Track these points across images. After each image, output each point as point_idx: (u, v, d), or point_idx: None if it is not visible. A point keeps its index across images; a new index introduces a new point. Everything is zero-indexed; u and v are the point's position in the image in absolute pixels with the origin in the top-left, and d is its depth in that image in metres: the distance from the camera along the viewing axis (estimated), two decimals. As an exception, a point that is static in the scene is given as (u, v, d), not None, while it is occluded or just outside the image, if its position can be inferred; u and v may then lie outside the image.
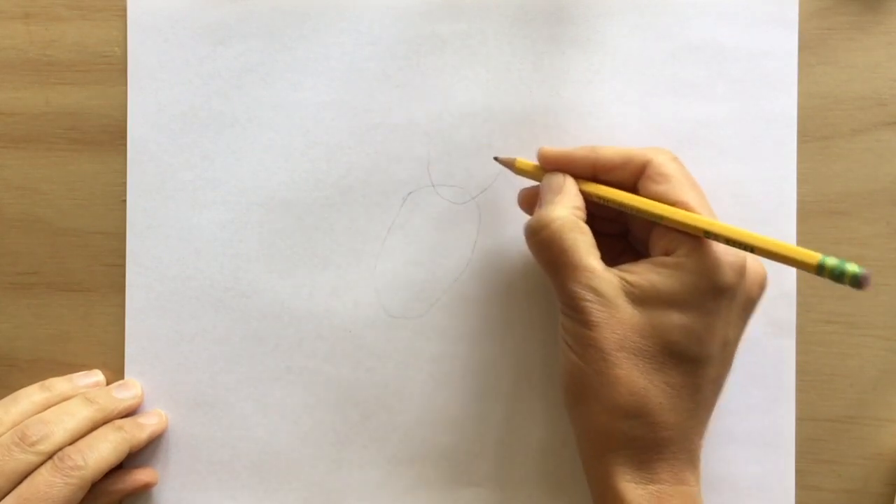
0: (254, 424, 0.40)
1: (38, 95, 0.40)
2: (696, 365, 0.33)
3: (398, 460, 0.40)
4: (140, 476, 0.39)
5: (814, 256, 0.29)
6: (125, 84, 0.40)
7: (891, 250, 0.40)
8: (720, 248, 0.33)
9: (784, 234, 0.40)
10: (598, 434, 0.33)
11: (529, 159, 0.38)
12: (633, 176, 0.35)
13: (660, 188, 0.34)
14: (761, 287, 0.35)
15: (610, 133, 0.40)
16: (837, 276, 0.29)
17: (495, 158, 0.39)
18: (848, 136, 0.40)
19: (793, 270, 0.39)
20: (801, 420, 0.40)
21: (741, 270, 0.33)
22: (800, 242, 0.40)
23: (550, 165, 0.36)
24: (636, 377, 0.32)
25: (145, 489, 0.40)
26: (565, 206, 0.34)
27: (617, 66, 0.40)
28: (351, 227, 0.40)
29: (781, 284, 0.39)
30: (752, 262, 0.34)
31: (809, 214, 0.40)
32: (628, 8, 0.40)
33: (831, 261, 0.29)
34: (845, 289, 0.39)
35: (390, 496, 0.40)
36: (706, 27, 0.40)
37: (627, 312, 0.33)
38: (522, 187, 0.38)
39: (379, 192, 0.40)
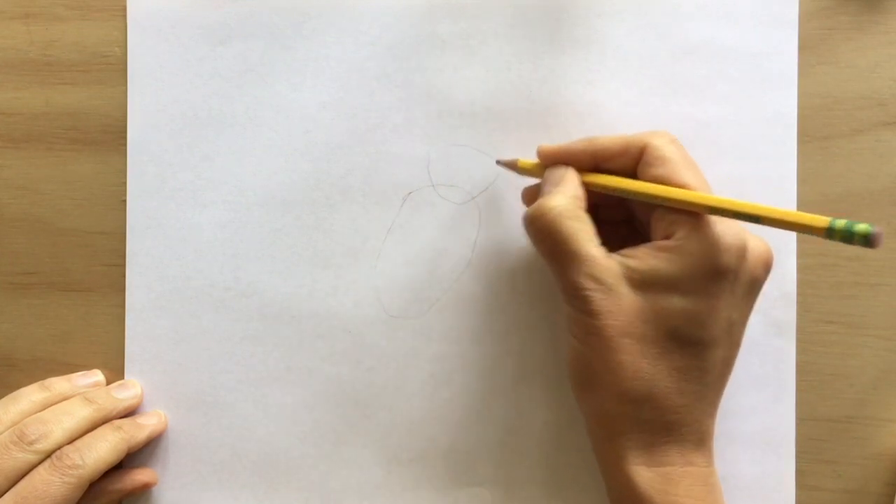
0: (254, 424, 0.40)
1: (38, 95, 0.40)
2: (700, 348, 0.33)
3: (398, 460, 0.40)
4: (139, 476, 0.39)
5: (823, 220, 0.29)
6: (125, 84, 0.40)
7: (891, 250, 0.40)
8: (719, 230, 0.32)
9: (784, 234, 0.39)
10: (607, 419, 0.34)
11: (530, 159, 0.38)
12: (634, 162, 0.35)
13: (658, 171, 0.34)
14: (766, 267, 0.34)
15: (610, 133, 0.39)
16: (848, 237, 0.28)
17: (497, 162, 0.39)
18: (848, 136, 0.40)
19: (793, 270, 0.39)
20: (801, 420, 0.40)
21: (742, 251, 0.33)
22: (800, 242, 0.40)
23: (550, 161, 0.37)
24: (641, 362, 0.33)
25: (145, 489, 0.40)
26: (564, 195, 0.34)
27: (617, 66, 0.40)
28: (351, 227, 0.40)
29: (782, 284, 0.39)
30: (755, 242, 0.34)
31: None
32: (628, 8, 0.40)
33: (840, 222, 0.29)
34: (845, 289, 0.40)
35: (390, 496, 0.40)
36: (706, 27, 0.40)
37: (629, 299, 0.33)
38: (525, 186, 0.39)
39: (379, 192, 0.40)
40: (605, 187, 0.35)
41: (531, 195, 0.38)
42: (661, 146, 0.34)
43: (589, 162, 0.36)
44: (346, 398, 0.40)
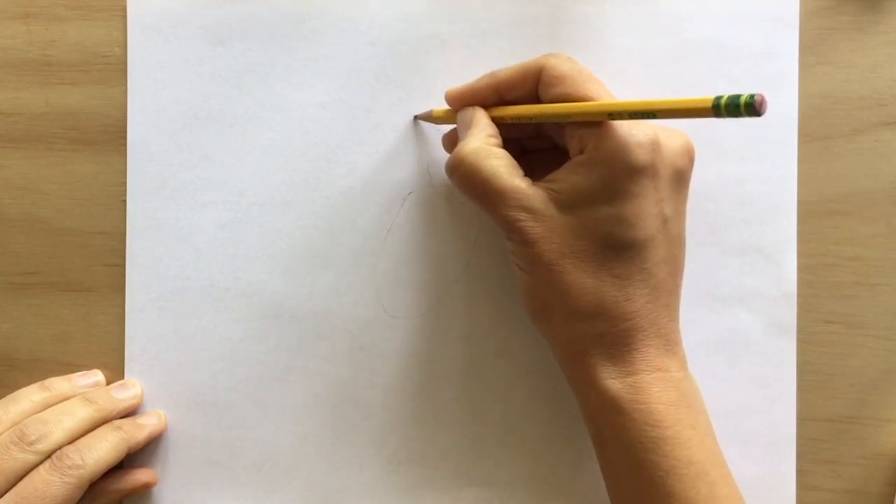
0: (254, 424, 0.40)
1: (38, 95, 0.40)
2: (637, 250, 0.33)
3: (398, 460, 0.40)
4: (139, 476, 0.39)
5: (707, 100, 0.28)
6: (125, 84, 0.40)
7: (891, 250, 0.40)
8: (625, 132, 0.33)
9: (784, 234, 0.40)
10: (566, 340, 0.35)
11: (443, 108, 0.38)
12: (535, 86, 0.35)
13: (558, 90, 0.34)
14: (688, 156, 0.35)
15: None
16: (734, 110, 0.28)
17: (415, 118, 0.40)
18: (848, 136, 0.40)
19: (793, 271, 0.39)
20: (801, 420, 0.40)
21: (654, 146, 0.33)
22: (800, 242, 0.40)
23: (459, 103, 0.37)
24: (584, 278, 0.33)
25: (145, 489, 0.40)
26: (477, 137, 0.35)
27: (617, 65, 0.40)
28: (351, 227, 0.40)
29: (782, 284, 0.39)
30: (669, 134, 0.34)
31: (809, 214, 0.40)
32: (628, 8, 0.40)
33: (724, 97, 0.28)
34: (845, 289, 0.40)
35: (390, 496, 0.40)
36: (706, 27, 0.40)
37: (560, 220, 0.33)
38: (443, 134, 0.39)
39: (379, 192, 0.40)
40: (512, 117, 0.35)
41: (450, 139, 0.39)
42: (557, 65, 0.34)
43: (494, 96, 0.36)
44: (346, 398, 0.40)
